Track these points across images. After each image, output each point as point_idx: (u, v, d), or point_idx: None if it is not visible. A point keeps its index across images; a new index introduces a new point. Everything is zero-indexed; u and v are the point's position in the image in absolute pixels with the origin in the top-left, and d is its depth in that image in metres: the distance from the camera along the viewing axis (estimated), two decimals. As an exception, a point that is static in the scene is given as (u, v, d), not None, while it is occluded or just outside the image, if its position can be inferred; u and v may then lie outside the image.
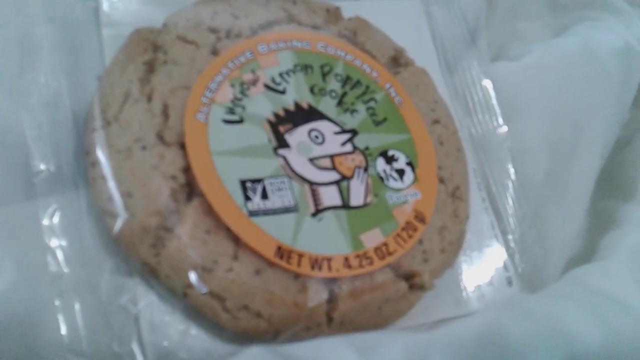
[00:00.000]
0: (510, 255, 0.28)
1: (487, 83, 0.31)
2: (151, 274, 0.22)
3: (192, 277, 0.21)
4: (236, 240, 0.22)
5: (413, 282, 0.24)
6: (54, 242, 0.22)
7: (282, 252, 0.22)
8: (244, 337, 0.22)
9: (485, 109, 0.31)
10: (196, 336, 0.22)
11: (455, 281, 0.27)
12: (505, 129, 0.30)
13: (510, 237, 0.28)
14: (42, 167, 0.22)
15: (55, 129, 0.23)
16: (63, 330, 0.21)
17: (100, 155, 0.22)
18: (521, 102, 0.31)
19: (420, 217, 0.25)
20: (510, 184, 0.29)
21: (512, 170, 0.30)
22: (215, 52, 0.25)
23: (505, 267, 0.27)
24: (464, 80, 0.31)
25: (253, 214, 0.22)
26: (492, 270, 0.27)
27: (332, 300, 0.23)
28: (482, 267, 0.27)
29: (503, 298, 0.26)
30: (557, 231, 0.29)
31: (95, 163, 0.22)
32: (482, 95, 0.31)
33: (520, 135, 0.30)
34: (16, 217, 0.22)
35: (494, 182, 0.29)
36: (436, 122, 0.28)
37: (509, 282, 0.27)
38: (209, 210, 0.22)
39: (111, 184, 0.22)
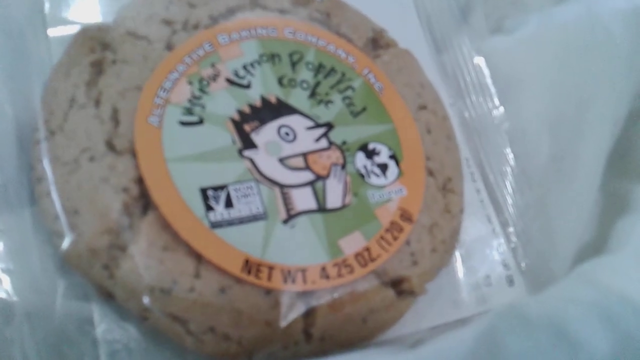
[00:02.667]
0: (513, 250, 0.25)
1: (480, 61, 0.28)
2: (107, 297, 0.20)
3: (147, 300, 0.19)
4: (197, 256, 0.20)
5: (401, 288, 0.22)
6: (0, 267, 0.20)
7: (250, 265, 0.20)
8: (214, 360, 0.20)
9: (479, 89, 0.28)
10: (161, 362, 0.20)
11: (452, 282, 0.24)
12: (501, 110, 0.28)
13: (511, 229, 0.26)
14: (-14, 185, 0.21)
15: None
16: (14, 364, 0.19)
17: (46, 169, 0.20)
18: (518, 79, 0.28)
19: (406, 216, 0.23)
20: (509, 171, 0.27)
21: (510, 156, 0.27)
22: (170, 47, 0.23)
23: (504, 265, 0.25)
24: (455, 59, 0.29)
25: (215, 225, 0.20)
26: (490, 269, 0.25)
27: (309, 315, 0.20)
28: (480, 266, 0.25)
29: (504, 299, 0.24)
30: (564, 220, 0.27)
31: (40, 179, 0.20)
32: (474, 74, 0.28)
33: (518, 116, 0.27)
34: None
35: (491, 170, 0.27)
36: (423, 108, 0.25)
37: (510, 282, 0.24)
38: (166, 225, 0.20)
39: (57, 201, 0.20)
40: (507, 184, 0.27)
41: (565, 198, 0.27)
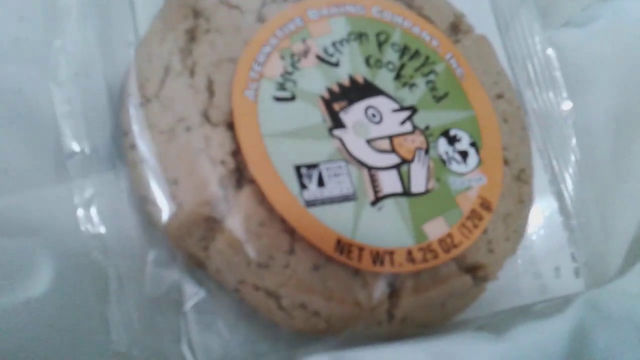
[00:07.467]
0: (575, 243, 0.26)
1: (551, 52, 0.28)
2: (199, 267, 0.20)
3: (246, 274, 0.19)
4: (292, 233, 0.20)
5: (476, 275, 0.23)
6: (91, 230, 0.20)
7: (342, 245, 0.20)
8: (301, 336, 0.20)
9: (548, 81, 0.28)
10: (250, 336, 0.20)
11: (515, 271, 0.25)
12: (569, 104, 0.28)
13: (574, 222, 0.26)
14: (76, 147, 0.20)
15: (88, 103, 0.21)
16: (105, 330, 0.19)
17: (141, 137, 0.20)
18: (588, 73, 0.28)
19: (485, 205, 0.23)
20: (574, 164, 0.27)
21: (576, 150, 0.27)
22: (261, 19, 0.22)
23: (573, 257, 0.25)
24: (525, 48, 0.28)
25: (310, 203, 0.20)
26: (557, 260, 0.25)
27: (393, 297, 0.21)
28: (545, 256, 0.25)
29: (566, 290, 0.25)
30: (620, 216, 0.27)
31: (134, 145, 0.20)
32: (544, 65, 0.28)
33: (585, 111, 0.28)
34: (49, 203, 0.20)
35: (557, 162, 0.27)
36: (499, 96, 0.26)
37: (577, 273, 0.25)
38: (262, 200, 0.20)
39: (154, 170, 0.19)
40: (572, 176, 0.27)
41: (623, 195, 0.28)
